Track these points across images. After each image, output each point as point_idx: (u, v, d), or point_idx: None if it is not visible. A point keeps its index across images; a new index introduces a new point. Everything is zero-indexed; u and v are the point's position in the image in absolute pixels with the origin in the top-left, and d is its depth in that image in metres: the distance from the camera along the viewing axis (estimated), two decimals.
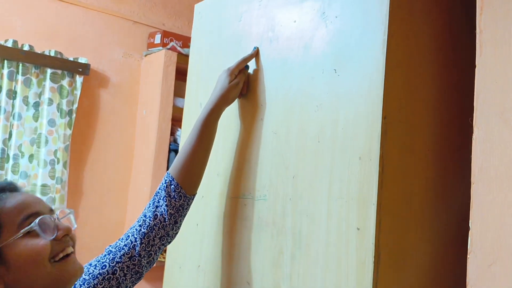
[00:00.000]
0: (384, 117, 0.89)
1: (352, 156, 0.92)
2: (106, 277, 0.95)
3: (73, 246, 0.86)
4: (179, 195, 1.04)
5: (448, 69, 1.00)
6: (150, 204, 1.05)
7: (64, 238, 0.83)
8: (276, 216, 1.06)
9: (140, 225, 1.01)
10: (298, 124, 1.05)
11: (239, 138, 1.18)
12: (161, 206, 1.02)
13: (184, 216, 1.07)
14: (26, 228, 0.80)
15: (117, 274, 0.96)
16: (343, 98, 0.96)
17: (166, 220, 1.02)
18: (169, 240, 1.06)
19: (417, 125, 0.95)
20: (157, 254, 1.04)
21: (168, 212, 1.02)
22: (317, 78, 1.02)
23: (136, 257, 0.98)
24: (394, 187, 0.89)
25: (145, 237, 1.00)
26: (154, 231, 1.01)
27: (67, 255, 0.83)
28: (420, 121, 0.95)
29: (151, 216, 1.02)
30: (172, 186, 1.03)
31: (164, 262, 2.65)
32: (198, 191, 1.11)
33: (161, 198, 1.03)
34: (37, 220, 0.80)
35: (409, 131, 0.93)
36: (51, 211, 0.86)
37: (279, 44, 1.13)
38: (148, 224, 1.01)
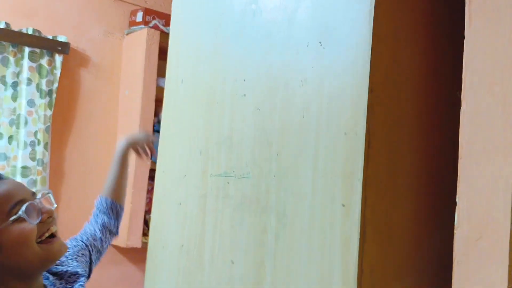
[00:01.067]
0: (370, 91, 0.86)
1: (338, 131, 0.90)
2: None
3: (55, 224, 0.94)
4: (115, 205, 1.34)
5: (437, 42, 0.97)
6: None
7: (48, 220, 0.90)
8: (260, 194, 1.04)
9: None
10: (282, 99, 1.02)
11: (220, 114, 1.15)
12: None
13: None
14: (14, 217, 0.87)
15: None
16: (329, 72, 0.93)
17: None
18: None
19: (404, 99, 0.92)
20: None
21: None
22: (302, 52, 0.99)
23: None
24: (380, 162, 0.87)
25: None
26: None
27: (52, 235, 0.92)
28: (407, 95, 0.93)
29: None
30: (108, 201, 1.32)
31: (147, 243, 2.63)
32: (180, 170, 1.13)
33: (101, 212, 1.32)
34: (23, 208, 0.88)
35: (396, 105, 0.91)
36: (34, 194, 0.93)
37: (262, 17, 1.09)
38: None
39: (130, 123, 2.63)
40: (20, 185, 0.93)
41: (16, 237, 0.86)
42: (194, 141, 1.14)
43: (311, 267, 0.92)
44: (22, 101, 2.33)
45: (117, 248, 2.68)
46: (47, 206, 0.94)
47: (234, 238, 1.07)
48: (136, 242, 2.60)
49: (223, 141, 1.13)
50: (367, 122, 0.86)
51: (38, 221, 0.89)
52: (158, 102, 2.68)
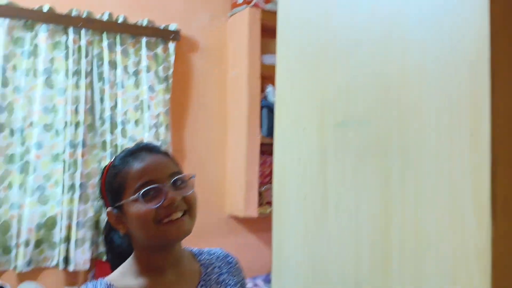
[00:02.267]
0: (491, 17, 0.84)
1: (462, 62, 0.89)
2: None
3: (189, 209, 0.95)
4: None
5: None
6: None
7: (171, 206, 0.92)
8: (382, 139, 1.06)
9: None
10: (399, 42, 1.03)
11: (335, 65, 1.18)
12: None
13: None
14: (133, 196, 0.93)
15: None
16: (447, 9, 0.93)
17: None
18: None
19: None
20: None
21: None
22: None
23: None
24: (507, 89, 0.85)
25: None
26: None
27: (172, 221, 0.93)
28: None
29: None
30: None
31: (266, 213, 2.76)
32: (298, 125, 1.20)
33: None
34: (142, 191, 0.92)
35: None
36: (173, 174, 0.95)
37: None
38: None
39: (238, 102, 2.77)
40: (159, 164, 0.95)
41: (135, 215, 0.92)
42: (311, 94, 1.19)
43: (440, 204, 0.93)
44: (144, 87, 2.56)
45: (235, 218, 2.85)
46: (174, 192, 0.93)
47: (358, 185, 1.11)
48: (252, 212, 2.74)
49: (340, 91, 1.17)
50: (491, 51, 0.84)
51: (156, 206, 0.91)
52: (264, 79, 2.78)
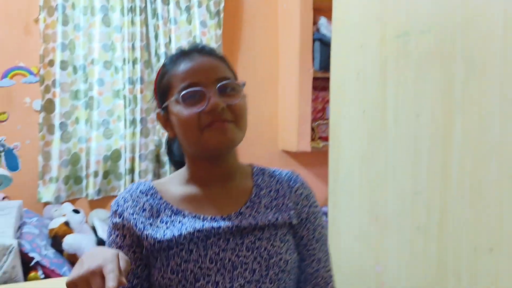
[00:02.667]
0: None
1: None
2: None
3: (236, 119, 0.86)
4: None
5: None
6: None
7: (213, 112, 0.83)
8: (444, 46, 1.04)
9: None
10: None
11: None
12: None
13: None
14: (174, 97, 0.86)
15: None
16: None
17: None
18: None
19: None
20: None
21: None
22: None
23: None
24: None
25: None
26: None
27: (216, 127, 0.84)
28: None
29: None
30: None
31: (319, 148, 2.78)
32: (357, 40, 1.16)
33: None
34: (183, 92, 0.84)
35: None
36: (220, 79, 0.86)
37: None
38: None
39: (290, 34, 2.74)
40: (209, 67, 0.87)
41: (177, 117, 0.86)
42: (370, 8, 1.17)
43: (505, 111, 0.92)
44: (196, 23, 2.58)
45: (289, 153, 2.90)
46: (218, 98, 0.84)
47: (418, 93, 1.11)
48: (305, 146, 2.78)
49: (401, 1, 1.14)
50: None
51: (198, 110, 0.83)
52: (316, 11, 2.72)
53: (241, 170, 0.94)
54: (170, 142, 1.01)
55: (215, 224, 0.85)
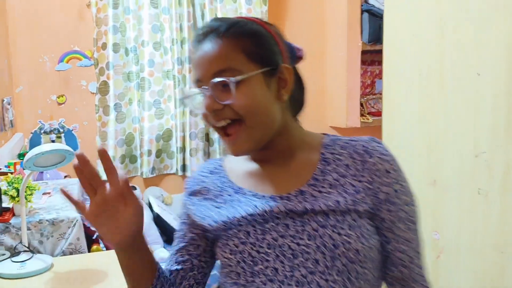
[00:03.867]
0: None
1: None
2: None
3: (242, 119, 0.75)
4: None
5: None
6: None
7: (208, 117, 0.76)
8: None
9: None
10: None
11: None
12: None
13: None
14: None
15: None
16: None
17: None
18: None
19: None
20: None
21: None
22: None
23: None
24: None
25: None
26: None
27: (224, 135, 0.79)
28: None
29: None
30: None
31: (369, 123, 2.73)
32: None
33: None
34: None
35: None
36: (213, 75, 0.74)
37: None
38: None
39: (337, 7, 2.69)
40: (206, 59, 0.75)
41: None
42: None
43: None
44: (241, 0, 2.58)
45: (338, 129, 2.87)
46: (210, 99, 0.75)
47: (479, 52, 1.06)
48: (355, 122, 2.75)
49: None
50: None
51: (201, 112, 0.77)
52: None
53: (307, 142, 0.83)
54: None
55: (273, 205, 0.79)
